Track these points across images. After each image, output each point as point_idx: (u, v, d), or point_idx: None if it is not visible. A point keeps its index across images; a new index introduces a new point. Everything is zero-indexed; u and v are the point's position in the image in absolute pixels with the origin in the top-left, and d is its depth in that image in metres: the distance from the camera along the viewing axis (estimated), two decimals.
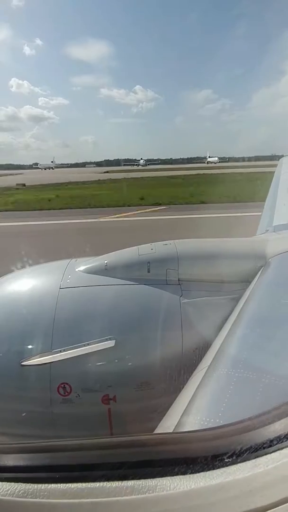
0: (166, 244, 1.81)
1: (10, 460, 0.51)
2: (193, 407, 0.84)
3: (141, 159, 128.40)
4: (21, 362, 1.45)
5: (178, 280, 1.66)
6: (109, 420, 1.51)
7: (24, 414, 1.48)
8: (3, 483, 0.46)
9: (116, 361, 1.50)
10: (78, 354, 1.43)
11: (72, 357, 1.42)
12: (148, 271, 1.68)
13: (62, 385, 1.46)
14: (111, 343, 1.45)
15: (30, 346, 1.49)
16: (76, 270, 1.74)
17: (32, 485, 0.46)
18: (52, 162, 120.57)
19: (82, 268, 1.74)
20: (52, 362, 1.43)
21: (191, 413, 0.82)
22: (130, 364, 1.52)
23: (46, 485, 0.46)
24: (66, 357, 1.42)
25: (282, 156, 5.72)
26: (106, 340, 1.46)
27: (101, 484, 0.46)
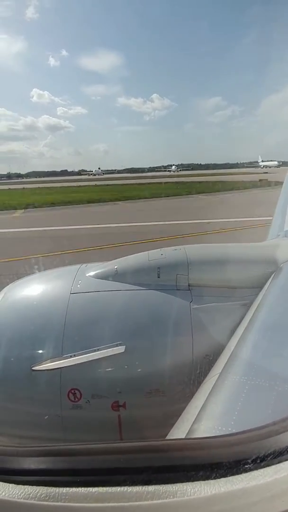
0: (176, 250, 1.80)
1: (32, 464, 0.51)
2: (204, 415, 0.83)
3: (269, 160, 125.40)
4: (32, 367, 1.45)
5: (188, 285, 1.65)
6: (119, 427, 1.49)
7: (46, 417, 1.48)
8: (26, 486, 0.47)
9: (126, 367, 1.49)
10: (88, 360, 1.42)
11: (82, 362, 1.42)
12: (158, 277, 1.67)
13: (72, 391, 1.45)
14: (121, 349, 1.45)
15: (40, 351, 1.50)
16: (87, 275, 1.75)
17: (54, 488, 0.46)
18: (174, 165, 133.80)
19: (92, 273, 1.75)
20: (63, 367, 1.43)
21: (202, 420, 0.81)
22: (140, 370, 1.51)
23: (68, 488, 0.46)
24: (76, 363, 1.42)
25: None
26: (116, 345, 1.45)
27: (123, 488, 0.46)
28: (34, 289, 1.75)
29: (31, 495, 0.45)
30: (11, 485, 0.47)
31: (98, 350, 1.45)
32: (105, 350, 1.44)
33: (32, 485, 0.47)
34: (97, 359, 1.43)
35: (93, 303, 1.63)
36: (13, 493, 0.46)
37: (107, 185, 49.67)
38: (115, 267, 1.74)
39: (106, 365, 1.47)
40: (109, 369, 1.49)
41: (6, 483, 0.47)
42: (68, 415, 1.47)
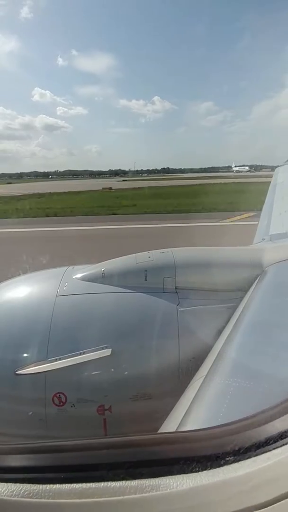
0: (163, 252, 1.81)
1: (15, 461, 0.52)
2: (190, 418, 0.83)
3: None
4: (16, 371, 1.42)
5: (175, 288, 1.66)
6: (104, 431, 1.48)
7: (30, 422, 1.45)
8: (9, 484, 0.47)
9: (112, 370, 1.48)
10: (74, 363, 1.41)
11: (68, 366, 1.40)
12: (145, 279, 1.67)
13: (57, 395, 1.43)
14: (107, 352, 1.44)
15: (25, 355, 1.47)
16: (73, 277, 1.73)
17: (37, 485, 0.47)
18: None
19: (79, 275, 1.74)
20: (48, 371, 1.41)
21: (188, 424, 0.81)
22: (126, 373, 1.50)
23: (51, 485, 0.47)
24: (61, 366, 1.40)
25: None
26: (103, 348, 1.45)
27: (106, 484, 0.47)
28: (20, 291, 1.72)
29: (14, 493, 0.45)
30: None
31: (84, 353, 1.43)
32: (91, 353, 1.43)
33: (16, 482, 0.47)
34: (83, 362, 1.42)
35: (79, 306, 1.62)
36: None
37: None
38: (102, 269, 1.73)
39: (92, 368, 1.46)
40: (95, 372, 1.47)
41: None
42: (53, 419, 1.45)
